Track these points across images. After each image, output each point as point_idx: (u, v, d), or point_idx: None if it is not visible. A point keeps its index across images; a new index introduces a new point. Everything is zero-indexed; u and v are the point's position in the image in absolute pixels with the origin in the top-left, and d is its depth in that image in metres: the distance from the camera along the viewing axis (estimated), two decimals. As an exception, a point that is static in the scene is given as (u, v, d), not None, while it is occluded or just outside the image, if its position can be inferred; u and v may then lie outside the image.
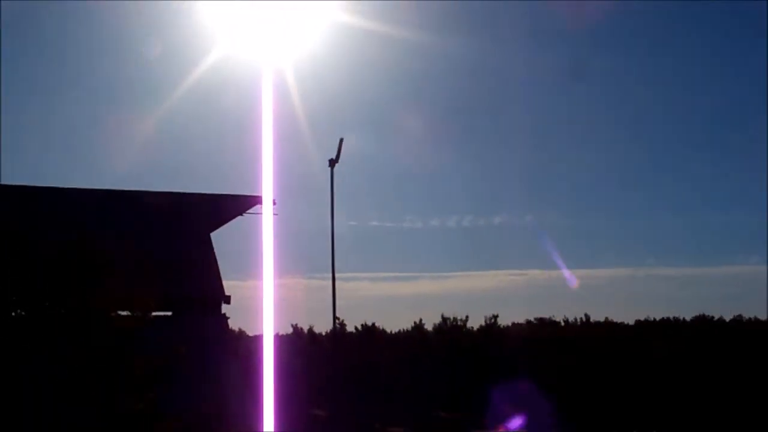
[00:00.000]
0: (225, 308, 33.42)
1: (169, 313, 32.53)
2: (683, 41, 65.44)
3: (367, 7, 43.82)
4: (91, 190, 32.67)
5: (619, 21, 57.51)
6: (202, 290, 32.91)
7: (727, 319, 52.18)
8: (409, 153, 63.27)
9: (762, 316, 51.07)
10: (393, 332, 52.99)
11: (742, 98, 66.38)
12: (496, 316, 50.25)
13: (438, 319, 50.55)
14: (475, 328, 50.49)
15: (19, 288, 26.43)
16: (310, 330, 49.52)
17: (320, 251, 31.67)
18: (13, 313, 27.45)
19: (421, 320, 51.12)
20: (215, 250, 34.48)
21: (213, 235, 34.89)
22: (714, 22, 65.24)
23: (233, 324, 35.22)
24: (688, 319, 52.50)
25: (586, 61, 65.36)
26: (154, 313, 29.18)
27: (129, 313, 27.51)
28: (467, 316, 50.01)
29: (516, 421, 33.76)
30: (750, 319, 51.80)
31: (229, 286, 33.66)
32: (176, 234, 33.92)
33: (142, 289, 29.76)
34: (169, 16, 43.01)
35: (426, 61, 55.84)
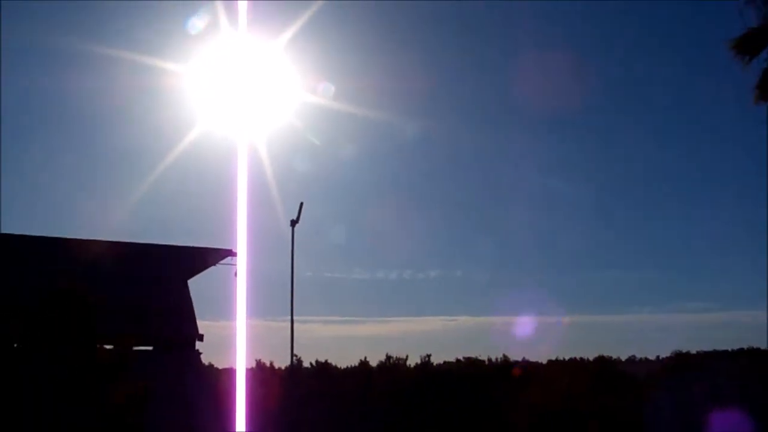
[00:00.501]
0: (198, 345, 33.40)
1: (150, 348, 32.40)
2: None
3: (333, 88, 44.39)
4: (87, 240, 32.48)
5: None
6: (179, 329, 32.92)
7: (623, 359, 52.92)
8: (359, 215, 63.92)
9: (651, 356, 51.96)
10: (342, 368, 52.92)
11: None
12: (429, 356, 50.89)
13: (382, 357, 50.94)
14: (412, 366, 50.77)
15: (19, 326, 26.27)
16: (272, 364, 49.50)
17: (281, 297, 31.72)
18: (15, 345, 27.25)
19: (366, 358, 51.43)
20: (192, 295, 34.52)
21: (190, 281, 34.91)
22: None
23: (205, 358, 35.09)
24: (590, 358, 52.97)
25: (506, 143, 66.39)
26: (136, 349, 29.12)
27: (113, 348, 27.45)
28: (407, 355, 50.62)
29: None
30: (641, 359, 52.58)
31: (202, 325, 33.74)
32: (158, 280, 33.93)
33: (126, 328, 29.71)
34: (157, 95, 43.04)
35: (378, 136, 56.62)
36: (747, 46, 18.07)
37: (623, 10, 61.28)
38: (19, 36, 46.35)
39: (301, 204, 30.77)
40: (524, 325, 50.89)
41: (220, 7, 28.41)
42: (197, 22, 34.35)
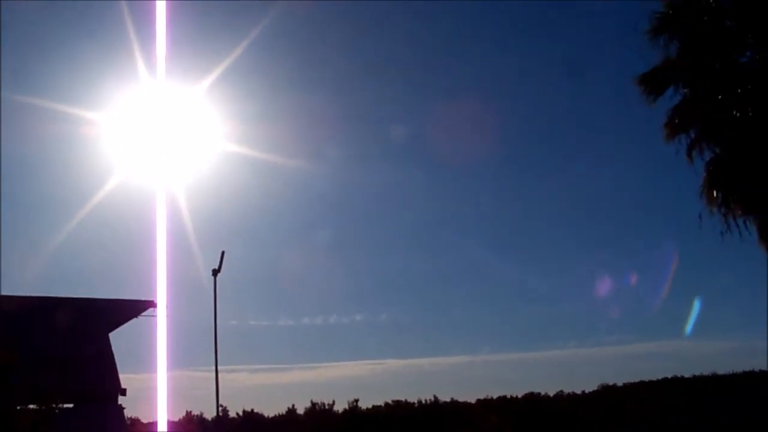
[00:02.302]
0: (122, 399, 32.94)
1: (71, 405, 31.85)
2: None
3: (249, 137, 44.75)
4: (2, 296, 31.89)
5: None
6: (101, 384, 32.41)
7: (551, 394, 53.70)
8: (282, 262, 63.86)
9: (578, 391, 52.89)
10: (270, 416, 52.67)
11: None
12: (357, 400, 51.12)
13: (308, 404, 50.95)
14: (340, 411, 50.87)
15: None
16: (200, 415, 49.08)
17: (207, 347, 31.52)
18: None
19: (293, 405, 51.40)
20: (114, 348, 34.08)
21: (112, 334, 34.50)
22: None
23: (129, 413, 34.61)
24: (520, 396, 53.69)
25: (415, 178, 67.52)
26: (57, 406, 28.62)
27: (35, 407, 26.95)
28: (333, 401, 50.78)
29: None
30: (570, 393, 53.47)
31: (126, 378, 33.28)
32: (77, 334, 33.39)
33: (48, 384, 29.19)
34: (74, 144, 42.74)
35: (297, 183, 56.83)
36: (652, 84, 19.04)
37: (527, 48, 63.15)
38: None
39: (223, 253, 30.79)
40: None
41: (138, 54, 28.56)
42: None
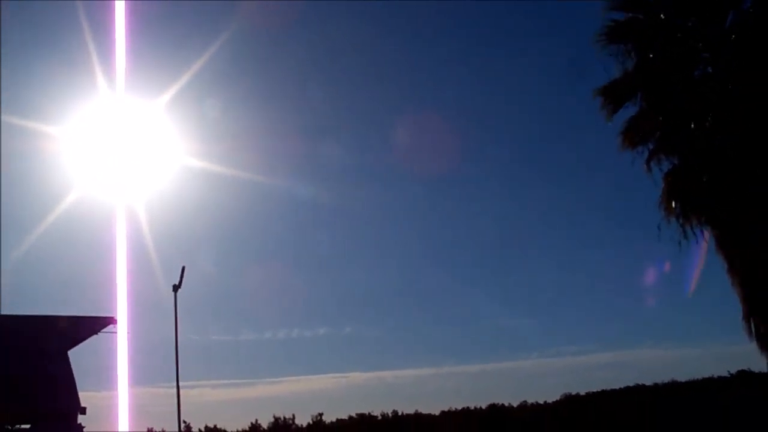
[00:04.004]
0: (81, 418, 32.50)
1: (27, 426, 31.40)
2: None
3: (211, 152, 44.55)
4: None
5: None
6: (59, 403, 31.93)
7: (515, 405, 53.92)
8: (245, 277, 63.60)
9: (541, 401, 53.19)
10: (233, 432, 52.38)
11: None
12: (321, 414, 51.02)
13: (272, 419, 50.81)
14: (304, 425, 50.73)
15: None
16: (162, 432, 48.67)
17: (167, 363, 31.22)
18: None
19: (257, 420, 51.18)
20: (73, 365, 33.62)
21: (71, 352, 34.03)
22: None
23: (91, 428, 34.13)
24: (483, 407, 53.82)
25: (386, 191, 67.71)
26: (14, 427, 28.22)
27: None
28: (294, 415, 50.68)
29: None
30: (533, 403, 53.71)
31: (85, 397, 32.83)
32: (35, 353, 32.91)
33: (3, 405, 28.76)
34: (32, 159, 42.22)
35: (259, 198, 56.72)
36: (611, 96, 19.28)
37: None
38: None
39: (183, 268, 30.50)
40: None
41: (97, 67, 28.34)
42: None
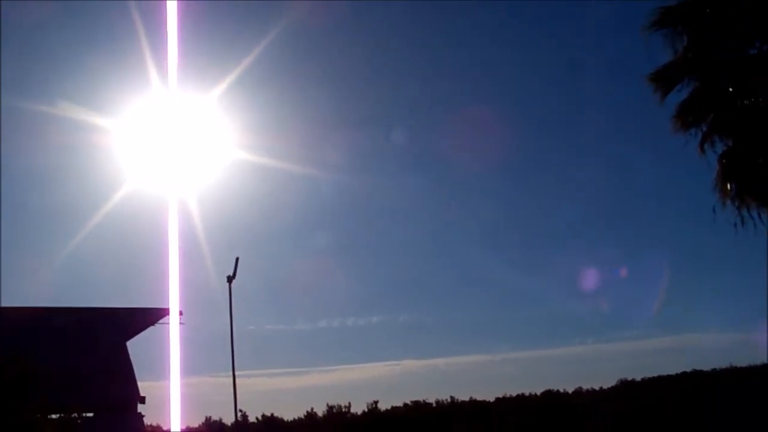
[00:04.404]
0: (141, 407, 33.08)
1: (91, 415, 32.04)
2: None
3: (262, 145, 44.89)
4: (20, 308, 32.11)
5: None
6: (120, 393, 32.56)
7: (570, 391, 53.53)
8: (299, 267, 63.98)
9: (596, 387, 52.74)
10: (289, 420, 52.79)
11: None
12: (376, 402, 51.16)
13: (327, 407, 51.07)
14: (359, 413, 50.92)
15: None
16: (219, 421, 49.32)
17: (223, 353, 31.59)
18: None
19: (312, 408, 51.53)
20: (132, 356, 34.23)
21: (129, 342, 34.64)
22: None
23: (150, 420, 34.76)
24: (538, 393, 53.54)
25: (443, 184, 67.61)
26: (78, 416, 28.83)
27: (56, 417, 27.17)
28: (350, 403, 50.82)
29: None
30: (589, 389, 53.27)
31: (145, 386, 33.43)
32: (95, 344, 33.58)
33: (67, 395, 29.39)
34: (86, 152, 42.93)
35: (309, 189, 56.99)
36: (663, 80, 18.95)
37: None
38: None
39: (237, 259, 30.87)
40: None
41: (149, 61, 28.64)
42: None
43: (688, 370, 49.82)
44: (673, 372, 50.62)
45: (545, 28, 61.49)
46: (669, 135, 19.02)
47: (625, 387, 50.42)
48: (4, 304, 32.45)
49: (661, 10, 18.68)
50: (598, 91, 61.35)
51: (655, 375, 50.86)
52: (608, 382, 52.59)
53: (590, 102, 63.31)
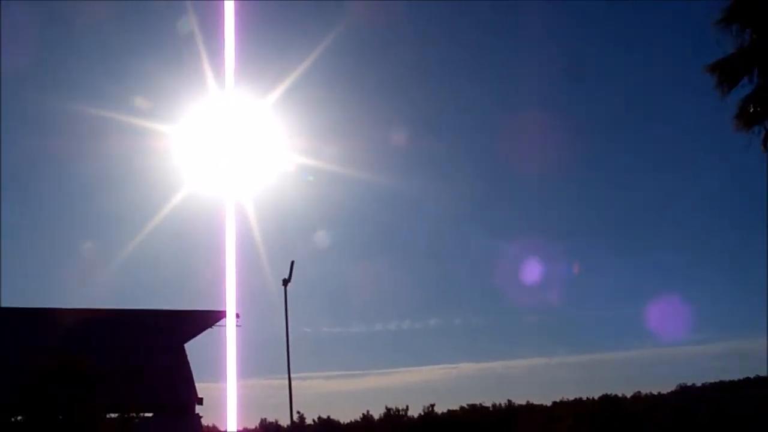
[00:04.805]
0: (198, 408, 33.27)
1: (150, 415, 32.31)
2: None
3: (318, 149, 45.03)
4: (80, 309, 32.54)
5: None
6: (178, 394, 32.78)
7: (629, 396, 52.78)
8: (355, 270, 64.20)
9: (655, 391, 51.91)
10: (345, 423, 52.87)
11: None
12: (433, 405, 50.84)
13: (384, 410, 50.95)
14: (415, 416, 50.70)
15: (19, 400, 26.27)
16: (275, 423, 49.63)
17: (280, 356, 31.66)
18: (12, 419, 27.13)
19: (368, 411, 51.50)
20: (189, 358, 34.46)
21: (187, 344, 34.89)
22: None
23: (207, 421, 34.96)
24: (596, 397, 52.87)
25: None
26: (136, 416, 29.07)
27: (116, 416, 27.44)
28: (407, 406, 50.57)
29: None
30: (648, 394, 52.48)
31: (202, 388, 33.61)
32: (155, 346, 33.88)
33: (126, 396, 29.67)
34: (145, 156, 43.48)
35: (363, 194, 57.27)
36: (725, 73, 18.43)
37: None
38: (6, 96, 46.88)
39: (292, 263, 30.84)
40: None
41: (207, 67, 28.88)
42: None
43: (751, 375, 48.82)
44: (734, 378, 49.71)
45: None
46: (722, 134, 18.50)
47: (685, 392, 49.53)
48: (65, 306, 32.99)
49: (728, 6, 18.23)
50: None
51: (716, 380, 49.94)
52: (667, 387, 51.78)
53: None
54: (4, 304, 33.58)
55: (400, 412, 50.90)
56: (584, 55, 61.77)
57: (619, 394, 52.60)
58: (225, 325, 32.20)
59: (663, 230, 69.33)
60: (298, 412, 41.41)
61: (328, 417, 51.22)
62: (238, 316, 31.38)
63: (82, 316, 32.10)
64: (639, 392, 52.57)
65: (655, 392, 51.78)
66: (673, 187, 66.30)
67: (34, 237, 58.86)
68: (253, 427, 47.59)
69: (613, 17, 60.14)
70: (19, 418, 27.60)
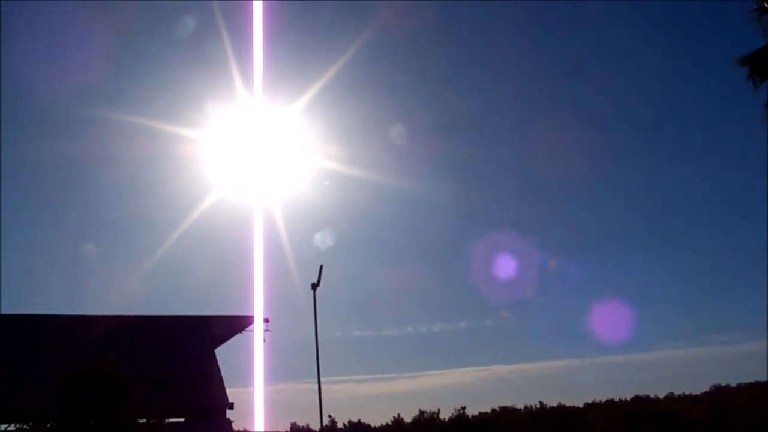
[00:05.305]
0: (229, 413, 33.40)
1: (182, 420, 32.48)
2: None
3: (346, 155, 45.16)
4: (111, 316, 32.80)
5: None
6: (209, 398, 32.93)
7: (661, 396, 52.29)
8: (384, 274, 64.28)
9: (688, 392, 51.34)
10: (376, 426, 52.75)
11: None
12: (464, 408, 50.58)
13: (416, 413, 50.75)
14: (446, 419, 50.47)
15: (51, 404, 26.48)
16: (306, 427, 49.66)
17: (310, 359, 31.62)
18: (48, 425, 27.36)
19: (399, 415, 51.32)
20: (220, 363, 34.62)
21: (218, 350, 35.06)
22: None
23: (238, 425, 35.04)
24: (628, 398, 52.42)
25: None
26: (168, 421, 29.21)
27: (146, 421, 27.57)
28: (439, 409, 50.38)
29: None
30: (681, 394, 51.94)
31: (233, 392, 33.74)
32: (185, 351, 34.05)
33: (157, 400, 29.81)
34: (173, 162, 43.78)
35: (392, 199, 57.34)
36: (757, 65, 18.20)
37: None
38: (35, 101, 47.34)
39: (321, 267, 30.74)
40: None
41: (235, 73, 29.03)
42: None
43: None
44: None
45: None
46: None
47: (719, 393, 48.89)
48: (97, 313, 33.24)
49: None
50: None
51: (752, 381, 49.22)
52: (701, 387, 51.16)
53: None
54: (37, 312, 33.91)
55: (433, 415, 50.66)
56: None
57: (652, 395, 52.13)
58: (254, 330, 32.36)
59: (691, 231, 68.67)
60: (329, 416, 41.43)
61: (359, 420, 51.08)
62: (267, 320, 31.52)
63: (115, 322, 32.38)
64: (672, 393, 52.09)
65: (688, 392, 51.30)
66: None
67: (66, 244, 59.46)
68: (284, 430, 47.67)
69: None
70: (53, 424, 27.85)
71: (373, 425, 52.58)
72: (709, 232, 68.21)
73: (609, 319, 67.50)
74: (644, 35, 61.75)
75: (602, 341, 68.33)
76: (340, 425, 48.94)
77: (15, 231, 55.43)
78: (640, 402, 50.83)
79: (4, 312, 33.33)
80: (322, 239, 50.50)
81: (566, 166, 55.47)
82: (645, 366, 66.53)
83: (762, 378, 49.03)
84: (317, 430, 45.87)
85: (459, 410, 50.43)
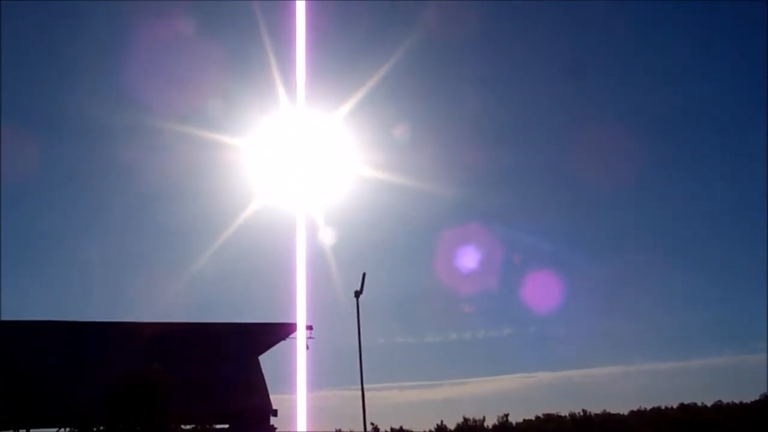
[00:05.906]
0: (273, 420, 33.51)
1: (226, 426, 32.69)
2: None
3: (389, 162, 45.21)
4: (156, 322, 33.12)
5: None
6: (253, 405, 33.08)
7: (709, 405, 51.37)
8: (425, 279, 64.10)
9: (737, 401, 50.39)
10: (420, 433, 52.61)
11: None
12: (507, 415, 50.29)
13: (459, 420, 50.57)
14: (490, 426, 50.22)
15: (99, 411, 26.86)
16: (350, 433, 49.65)
17: (354, 366, 31.72)
18: (94, 429, 27.77)
19: (442, 422, 51.14)
20: (264, 369, 34.78)
21: (261, 356, 35.25)
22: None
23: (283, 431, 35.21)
24: (674, 406, 51.60)
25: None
26: (212, 427, 29.46)
27: (192, 427, 27.88)
28: (484, 417, 50.15)
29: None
30: (729, 403, 50.98)
31: (277, 399, 33.85)
32: (230, 358, 34.27)
33: (202, 407, 30.10)
34: (217, 169, 44.15)
35: (432, 206, 57.10)
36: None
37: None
38: (81, 109, 48.02)
39: (364, 275, 30.90)
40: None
41: (278, 81, 29.26)
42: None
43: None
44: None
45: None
46: None
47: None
48: (142, 320, 33.61)
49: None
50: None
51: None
52: (750, 396, 50.24)
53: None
54: (82, 319, 34.38)
55: (477, 422, 50.48)
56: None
57: (699, 403, 51.27)
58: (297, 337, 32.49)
59: (738, 236, 67.59)
60: (372, 423, 41.45)
61: (401, 427, 50.97)
62: (311, 328, 31.68)
63: (160, 329, 32.68)
64: (720, 401, 51.16)
65: (737, 401, 50.37)
66: None
67: (110, 251, 60.11)
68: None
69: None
70: (101, 428, 28.26)
71: (415, 432, 52.47)
72: (758, 236, 66.84)
73: (653, 325, 66.93)
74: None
75: (646, 348, 67.78)
76: (383, 432, 48.93)
77: (60, 240, 56.21)
78: (687, 410, 50.02)
79: (56, 319, 33.88)
80: (364, 246, 50.69)
81: (607, 172, 54.85)
82: (692, 373, 65.51)
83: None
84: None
85: (502, 417, 50.24)
